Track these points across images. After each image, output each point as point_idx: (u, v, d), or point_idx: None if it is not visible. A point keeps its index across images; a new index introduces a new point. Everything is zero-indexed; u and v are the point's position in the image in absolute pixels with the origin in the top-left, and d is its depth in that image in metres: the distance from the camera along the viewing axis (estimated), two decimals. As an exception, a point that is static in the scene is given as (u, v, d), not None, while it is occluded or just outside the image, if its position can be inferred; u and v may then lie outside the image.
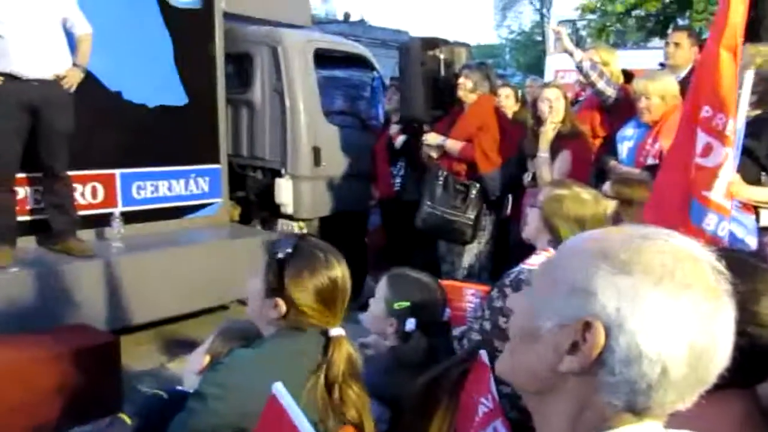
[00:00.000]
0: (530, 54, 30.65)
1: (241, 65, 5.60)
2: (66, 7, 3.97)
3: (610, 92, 4.00)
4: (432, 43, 4.83)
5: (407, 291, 2.18)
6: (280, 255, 1.58)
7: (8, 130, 3.79)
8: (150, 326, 4.46)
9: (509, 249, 4.34)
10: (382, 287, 2.20)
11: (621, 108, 4.00)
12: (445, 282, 3.34)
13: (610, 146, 3.94)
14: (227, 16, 5.22)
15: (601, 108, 4.14)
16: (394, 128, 5.08)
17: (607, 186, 2.83)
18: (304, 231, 5.47)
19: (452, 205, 4.27)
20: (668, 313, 0.71)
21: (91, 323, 3.82)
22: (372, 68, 6.20)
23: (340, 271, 1.62)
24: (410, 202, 4.66)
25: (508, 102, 4.52)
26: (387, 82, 6.27)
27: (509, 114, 4.54)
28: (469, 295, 3.24)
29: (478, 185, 4.29)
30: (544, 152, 3.87)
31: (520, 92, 4.63)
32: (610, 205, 2.50)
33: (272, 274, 1.58)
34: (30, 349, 3.36)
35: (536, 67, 25.45)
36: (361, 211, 5.73)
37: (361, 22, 23.95)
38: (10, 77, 3.75)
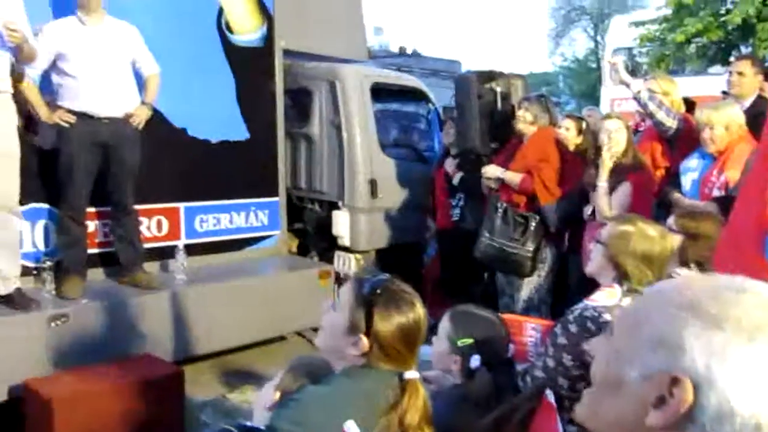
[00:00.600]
0: (585, 81, 30.36)
1: (300, 100, 5.73)
2: (135, 48, 4.14)
3: (671, 123, 3.91)
4: (488, 75, 4.85)
5: (470, 327, 2.17)
6: (370, 293, 1.60)
7: (79, 166, 3.95)
8: (210, 356, 4.54)
9: (570, 283, 4.28)
10: (444, 324, 2.20)
11: (683, 138, 3.92)
12: (505, 316, 3.32)
13: (672, 178, 3.86)
14: (287, 53, 5.38)
15: (663, 138, 4.07)
16: (450, 163, 5.10)
17: (671, 220, 2.77)
18: (361, 263, 5.52)
19: (511, 237, 4.23)
20: (762, 371, 0.69)
21: (156, 354, 3.93)
22: (428, 100, 6.26)
23: (422, 312, 1.64)
24: (469, 233, 4.65)
25: (569, 134, 4.46)
26: (441, 111, 6.32)
27: (570, 146, 4.48)
28: (530, 330, 3.20)
29: (537, 217, 4.25)
30: (602, 184, 3.83)
31: (583, 123, 4.54)
32: (676, 240, 2.45)
33: (359, 312, 1.59)
34: (98, 379, 3.48)
35: (591, 95, 25.20)
36: (417, 242, 5.75)
37: (414, 53, 24.16)
38: (82, 115, 3.92)
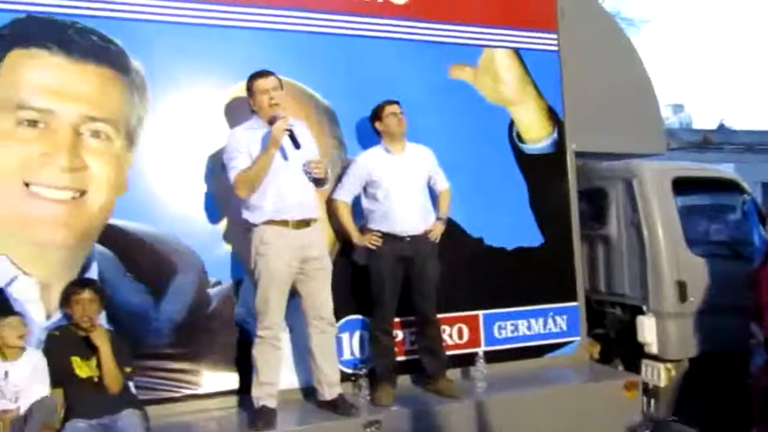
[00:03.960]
0: None
1: (595, 201, 5.61)
2: (431, 168, 4.48)
3: None
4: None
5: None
6: None
7: (387, 280, 4.29)
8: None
9: None
10: None
11: None
12: None
13: None
14: (579, 154, 5.34)
15: None
16: (776, 262, 4.49)
17: None
18: (672, 373, 5.04)
19: None
20: None
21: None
22: (741, 189, 5.65)
23: None
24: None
25: None
26: (759, 190, 5.62)
27: None
28: None
29: None
30: None
31: None
32: None
33: None
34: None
35: None
36: (740, 350, 5.08)
37: (721, 127, 22.28)
38: (388, 235, 4.29)
